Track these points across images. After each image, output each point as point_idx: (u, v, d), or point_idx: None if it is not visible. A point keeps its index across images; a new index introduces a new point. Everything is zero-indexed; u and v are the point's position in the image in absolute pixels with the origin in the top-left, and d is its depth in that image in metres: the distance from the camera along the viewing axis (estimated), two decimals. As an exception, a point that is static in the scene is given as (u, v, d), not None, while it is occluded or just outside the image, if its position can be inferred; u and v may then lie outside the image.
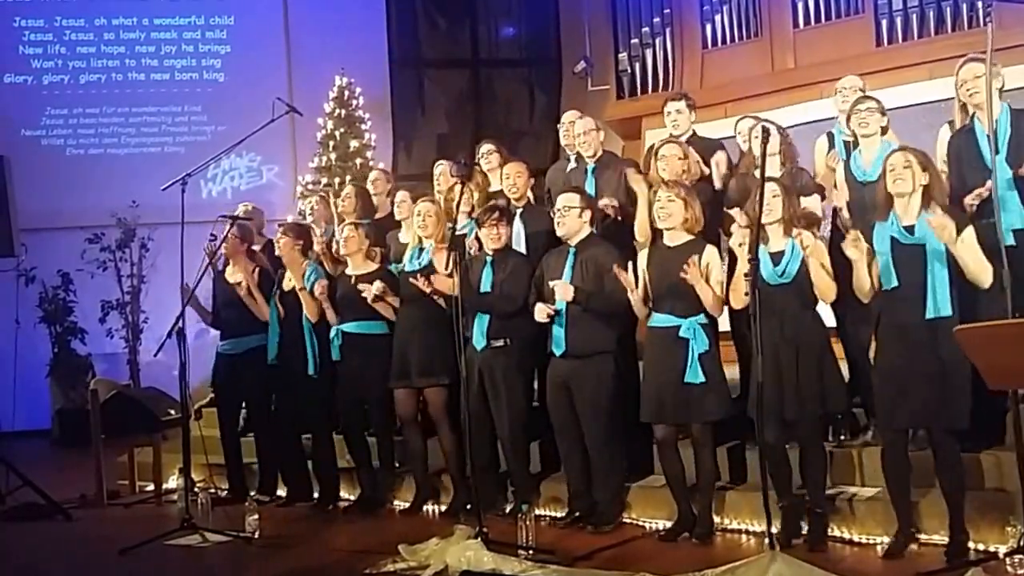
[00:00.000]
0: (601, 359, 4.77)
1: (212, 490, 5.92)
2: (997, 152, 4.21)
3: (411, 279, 5.17)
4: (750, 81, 8.53)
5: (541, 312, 4.76)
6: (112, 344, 10.06)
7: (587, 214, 4.84)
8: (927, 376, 3.91)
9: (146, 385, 8.28)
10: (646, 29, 9.28)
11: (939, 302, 3.92)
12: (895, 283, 3.98)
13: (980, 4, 4.20)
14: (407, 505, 5.59)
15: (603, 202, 5.12)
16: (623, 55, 9.45)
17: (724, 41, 8.87)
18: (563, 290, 4.68)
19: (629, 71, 9.42)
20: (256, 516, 5.11)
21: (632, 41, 9.39)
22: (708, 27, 8.95)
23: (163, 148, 10.59)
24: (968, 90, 4.35)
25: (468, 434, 4.74)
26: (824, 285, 4.24)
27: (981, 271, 3.90)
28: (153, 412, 6.46)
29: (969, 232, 3.93)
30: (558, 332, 4.78)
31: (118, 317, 10.01)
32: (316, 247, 5.90)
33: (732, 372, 4.95)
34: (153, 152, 10.53)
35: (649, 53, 9.26)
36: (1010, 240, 4.13)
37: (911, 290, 3.95)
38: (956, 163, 4.45)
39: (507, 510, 5.09)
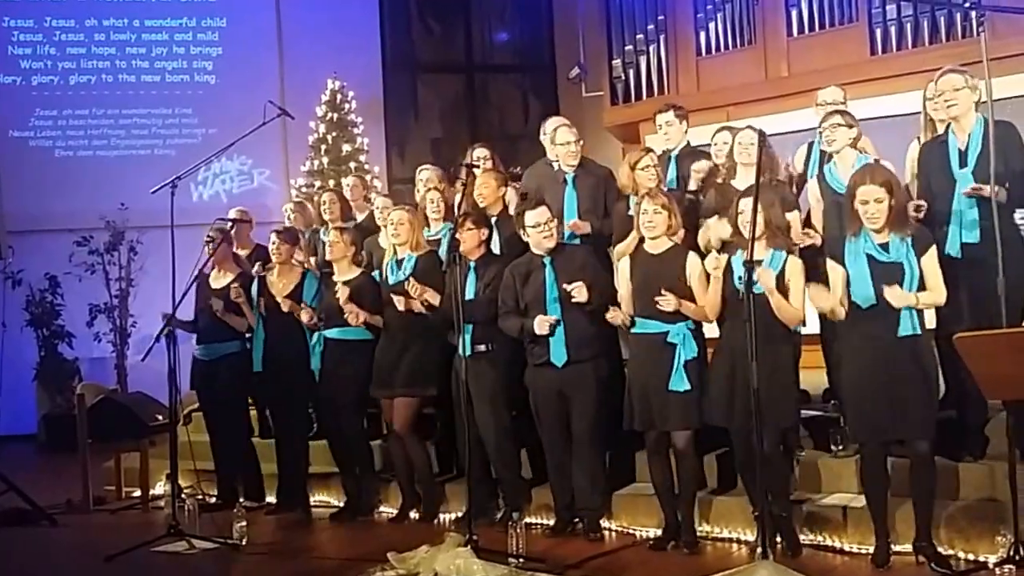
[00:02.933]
0: (596, 363, 4.77)
1: (200, 496, 5.87)
2: (964, 166, 4.24)
3: (392, 294, 5.19)
4: (744, 88, 8.54)
5: (543, 323, 4.73)
6: (100, 348, 9.99)
7: (555, 225, 4.88)
8: (897, 390, 3.93)
9: (134, 390, 8.21)
10: (640, 36, 9.27)
11: (913, 320, 3.96)
12: (874, 300, 3.98)
13: (973, 14, 4.16)
14: (394, 512, 5.55)
15: (572, 224, 5.14)
16: (617, 61, 9.44)
17: (718, 48, 8.87)
18: (580, 292, 4.64)
19: (623, 77, 9.41)
20: (243, 523, 5.08)
21: (626, 47, 9.37)
22: (702, 34, 8.94)
23: (153, 151, 10.54)
24: (947, 102, 4.35)
25: (468, 442, 4.70)
26: (789, 315, 4.23)
27: (937, 293, 3.97)
28: (140, 417, 6.41)
29: (933, 252, 3.99)
30: (557, 343, 4.75)
31: (106, 321, 9.94)
32: (301, 255, 5.89)
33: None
34: (143, 155, 10.47)
35: (643, 60, 9.26)
36: (956, 251, 4.23)
37: (889, 307, 3.94)
38: (925, 174, 4.47)
39: (498, 518, 5.05)
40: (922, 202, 4.33)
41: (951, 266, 4.15)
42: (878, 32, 7.93)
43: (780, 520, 4.33)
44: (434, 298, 5.12)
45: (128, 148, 10.56)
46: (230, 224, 6.03)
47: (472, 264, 5.10)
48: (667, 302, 4.39)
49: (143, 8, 10.64)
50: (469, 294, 5.04)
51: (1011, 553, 3.78)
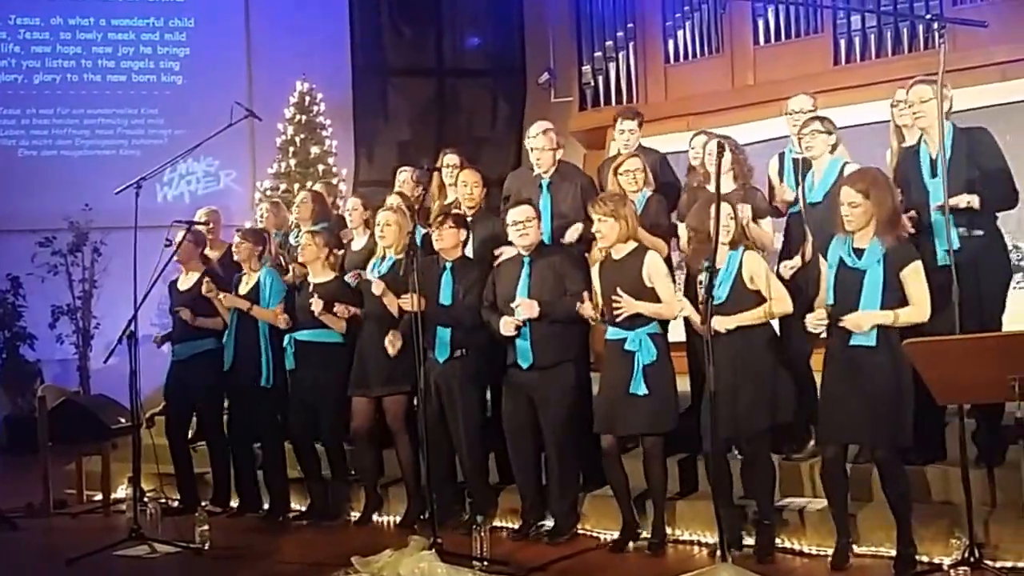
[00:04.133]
0: (565, 369, 4.79)
1: (162, 500, 5.83)
2: (935, 175, 4.31)
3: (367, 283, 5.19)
4: (711, 96, 8.62)
5: (508, 325, 4.75)
6: (62, 350, 9.87)
7: (537, 224, 4.88)
8: (860, 396, 3.97)
9: (96, 392, 8.13)
10: (609, 43, 9.33)
11: (864, 334, 3.96)
12: (831, 301, 4.05)
13: (935, 25, 4.24)
14: (359, 516, 5.53)
15: (571, 235, 5.14)
16: (587, 67, 9.50)
17: (686, 56, 8.95)
18: (528, 308, 4.67)
19: (592, 83, 9.47)
20: (206, 527, 5.04)
21: (596, 54, 9.43)
22: (671, 42, 9.02)
23: (118, 151, 10.43)
24: (915, 113, 4.42)
25: (425, 445, 4.71)
26: (757, 318, 4.28)
27: (921, 310, 3.93)
28: (102, 420, 6.36)
29: (916, 266, 3.98)
30: (523, 345, 4.77)
31: (69, 323, 9.83)
32: (270, 253, 5.87)
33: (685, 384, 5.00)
34: (108, 155, 10.36)
35: (612, 66, 9.32)
36: (945, 260, 4.21)
37: (843, 311, 4.00)
38: (902, 182, 4.52)
39: (464, 521, 5.06)
40: (913, 212, 4.32)
41: (942, 275, 4.07)
42: (843, 42, 8.05)
43: (761, 526, 4.38)
44: (392, 306, 5.12)
45: (93, 148, 10.44)
46: (191, 226, 5.97)
47: (449, 265, 5.10)
48: (624, 305, 4.41)
49: (109, 7, 10.53)
50: (446, 296, 5.04)
51: (966, 555, 3.83)
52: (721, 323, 4.12)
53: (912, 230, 4.26)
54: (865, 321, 3.93)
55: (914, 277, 3.95)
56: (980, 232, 4.32)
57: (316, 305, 5.32)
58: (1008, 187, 4.37)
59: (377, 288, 5.17)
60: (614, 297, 4.46)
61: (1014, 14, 7.23)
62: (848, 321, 3.93)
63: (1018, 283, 7.25)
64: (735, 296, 4.28)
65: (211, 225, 6.52)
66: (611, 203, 4.59)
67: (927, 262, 4.08)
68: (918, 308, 3.95)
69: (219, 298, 5.64)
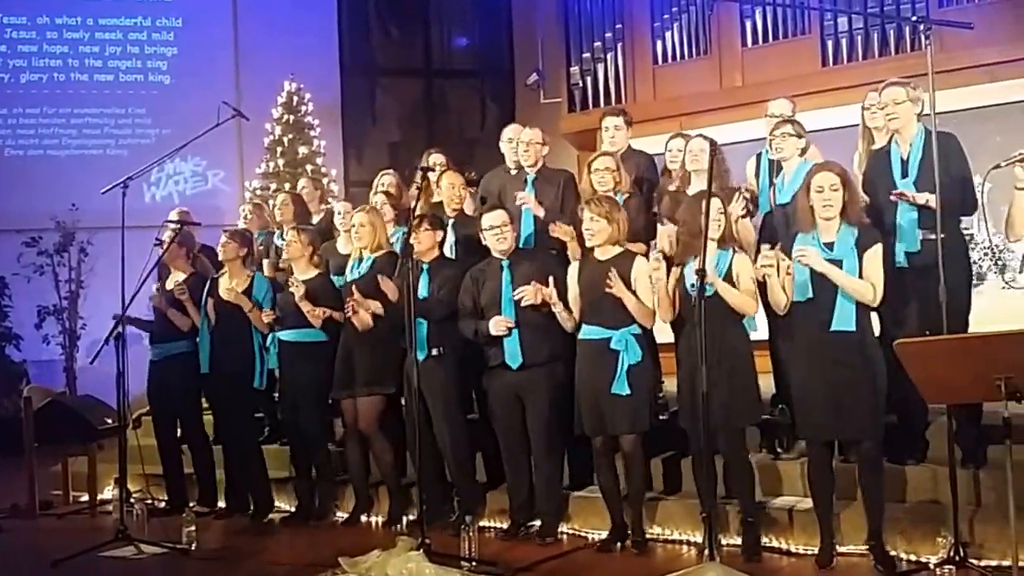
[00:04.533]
0: (553, 368, 4.79)
1: (149, 501, 5.80)
2: (905, 176, 4.34)
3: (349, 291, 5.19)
4: (699, 97, 8.65)
5: (499, 325, 4.75)
6: (48, 351, 9.83)
7: (514, 228, 4.89)
8: (836, 388, 4.01)
9: (83, 393, 8.09)
10: (598, 44, 9.35)
11: (844, 316, 4.03)
12: (810, 295, 4.07)
13: (921, 27, 4.27)
14: (347, 516, 5.53)
15: (520, 201, 5.17)
16: (575, 69, 9.52)
17: (675, 57, 8.99)
18: (532, 294, 4.65)
19: (581, 84, 9.49)
20: (193, 528, 5.02)
21: (584, 55, 9.46)
22: (659, 43, 9.05)
23: (105, 150, 10.40)
24: (888, 114, 4.45)
25: (418, 445, 4.71)
26: (740, 302, 4.30)
27: (866, 288, 4.02)
28: (89, 420, 6.33)
29: (877, 248, 4.06)
30: (512, 345, 4.77)
31: (55, 323, 9.79)
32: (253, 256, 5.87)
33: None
34: (95, 154, 10.33)
35: (601, 67, 9.34)
36: (903, 260, 4.32)
37: (824, 303, 4.05)
38: (871, 183, 4.56)
39: (452, 521, 5.06)
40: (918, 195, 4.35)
41: (899, 275, 4.24)
42: (829, 44, 8.09)
43: (746, 525, 4.40)
44: (377, 309, 5.13)
45: (80, 148, 10.41)
46: (179, 225, 5.96)
47: (425, 266, 5.12)
48: (617, 288, 4.42)
49: (97, 6, 10.50)
50: (423, 294, 5.05)
51: (951, 554, 3.86)
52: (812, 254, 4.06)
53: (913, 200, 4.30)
54: (822, 264, 3.97)
55: (873, 258, 4.06)
56: (943, 235, 4.35)
57: (298, 290, 5.30)
58: (970, 194, 4.44)
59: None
60: (608, 280, 4.44)
61: (1001, 16, 7.29)
62: (808, 256, 3.97)
63: (1008, 283, 7.34)
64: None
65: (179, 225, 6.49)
66: (606, 204, 4.62)
67: (888, 263, 4.15)
68: (868, 285, 4.02)
69: (229, 292, 5.57)
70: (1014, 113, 7.11)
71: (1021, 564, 3.52)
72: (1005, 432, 3.38)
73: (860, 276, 4.02)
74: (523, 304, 4.69)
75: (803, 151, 4.80)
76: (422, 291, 5.06)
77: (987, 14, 7.18)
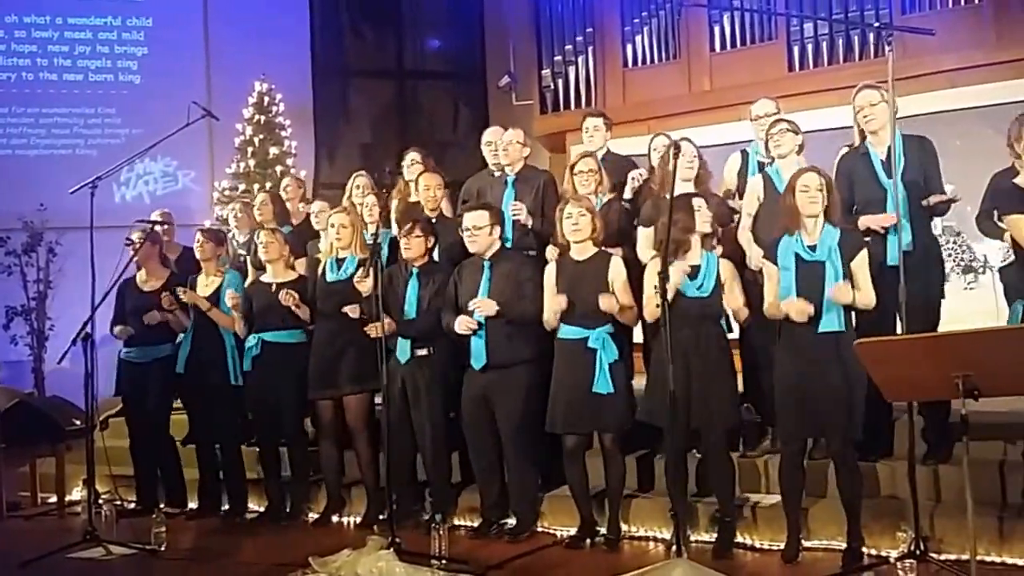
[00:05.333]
0: (521, 369, 4.82)
1: (118, 502, 5.77)
2: (890, 177, 4.43)
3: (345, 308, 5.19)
4: (669, 101, 8.73)
5: (463, 325, 4.79)
6: (16, 351, 9.71)
7: (496, 230, 4.90)
8: (822, 389, 4.08)
9: (51, 394, 8.02)
10: (569, 47, 9.41)
11: (832, 318, 4.10)
12: (794, 297, 4.13)
13: (883, 33, 4.36)
14: (319, 516, 5.54)
15: (514, 211, 5.19)
16: (546, 71, 9.57)
17: (644, 61, 9.06)
18: (486, 307, 4.71)
19: (552, 87, 9.54)
20: (162, 528, 5.01)
21: (555, 58, 9.51)
22: (629, 47, 9.12)
23: (74, 150, 10.30)
24: (865, 116, 4.54)
25: (387, 444, 4.73)
26: (737, 307, 4.39)
27: (868, 295, 4.12)
28: (57, 421, 6.28)
29: (863, 255, 4.14)
30: (478, 345, 4.81)
31: (23, 323, 9.68)
32: (228, 254, 5.86)
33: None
34: (64, 154, 10.23)
35: (572, 70, 9.40)
36: (897, 260, 4.30)
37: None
38: (847, 182, 4.64)
39: (424, 520, 5.08)
40: (884, 219, 4.44)
41: (893, 275, 4.19)
42: (796, 49, 8.20)
43: (723, 523, 4.47)
44: (354, 312, 5.16)
45: (48, 148, 10.30)
46: (153, 225, 5.95)
47: (415, 271, 5.13)
48: (607, 302, 4.46)
49: (66, 6, 10.40)
50: (411, 301, 5.07)
51: (911, 548, 3.93)
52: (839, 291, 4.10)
53: (881, 230, 4.39)
54: (846, 293, 4.04)
55: (861, 265, 4.15)
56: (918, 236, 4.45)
57: (288, 297, 5.29)
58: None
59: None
60: (601, 296, 4.48)
61: (962, 23, 7.42)
62: (835, 292, 4.03)
63: (969, 283, 7.49)
64: (716, 292, 4.39)
65: (167, 227, 6.49)
66: (588, 201, 4.73)
67: (874, 263, 4.21)
68: (867, 294, 4.13)
69: (182, 293, 5.58)
70: (973, 118, 7.24)
71: (978, 558, 3.61)
72: (963, 429, 3.44)
73: (844, 277, 4.08)
74: (477, 316, 4.73)
75: (800, 148, 4.85)
76: (410, 301, 5.07)
77: (948, 22, 7.31)
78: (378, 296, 4.68)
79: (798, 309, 4.08)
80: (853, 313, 4.19)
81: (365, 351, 5.17)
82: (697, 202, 4.41)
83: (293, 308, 5.32)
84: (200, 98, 6.50)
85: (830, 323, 4.09)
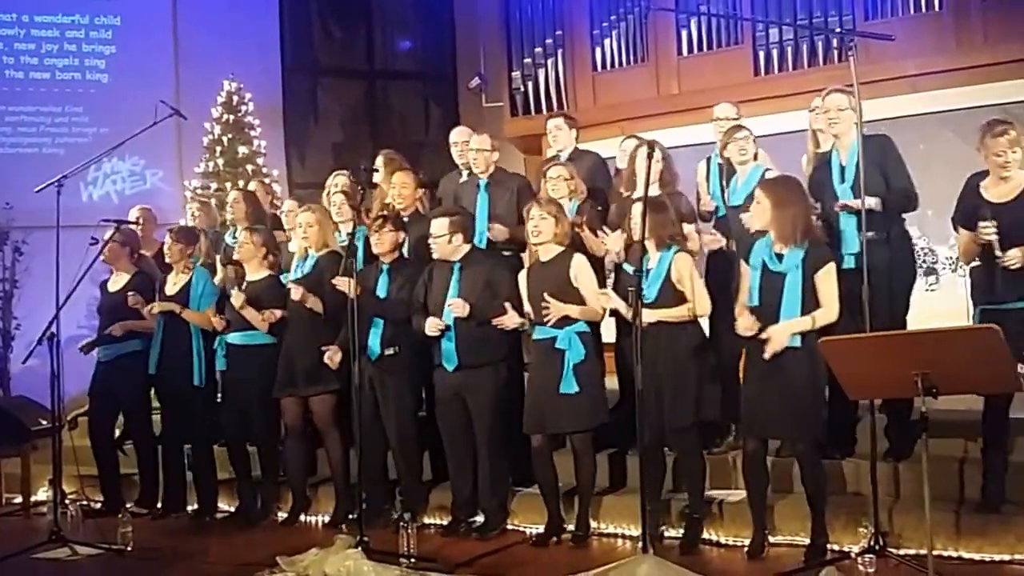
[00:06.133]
0: (492, 369, 4.86)
1: (84, 502, 5.74)
2: (844, 181, 4.52)
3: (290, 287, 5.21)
4: (638, 104, 8.79)
5: (432, 326, 4.82)
6: (-19, 352, 9.60)
7: (457, 237, 4.91)
8: (780, 393, 4.14)
9: (16, 394, 7.94)
10: (539, 49, 9.45)
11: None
12: (756, 303, 4.21)
13: (845, 38, 4.44)
14: (286, 516, 5.54)
15: (499, 229, 5.26)
16: (516, 73, 9.61)
17: (613, 65, 9.12)
18: (459, 308, 4.74)
19: (522, 89, 9.58)
20: (129, 528, 4.99)
21: (525, 60, 9.55)
22: (598, 50, 9.18)
23: (41, 149, 10.18)
24: (831, 120, 4.62)
25: (359, 443, 4.74)
26: (677, 316, 4.42)
27: (830, 310, 4.13)
28: (22, 421, 6.24)
29: (830, 268, 4.17)
30: (448, 346, 4.84)
31: (-12, 324, 9.57)
32: (201, 253, 5.85)
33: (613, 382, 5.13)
34: (30, 153, 10.10)
35: (542, 73, 9.44)
36: (852, 263, 4.45)
37: (767, 312, 4.17)
38: (815, 188, 4.72)
39: (393, 519, 5.10)
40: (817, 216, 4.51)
41: (851, 277, 4.27)
42: (761, 54, 8.29)
43: (691, 520, 4.52)
44: (316, 305, 5.16)
45: (14, 146, 10.16)
46: (120, 225, 5.91)
47: (385, 267, 5.16)
48: (552, 309, 4.53)
49: (33, 3, 10.27)
50: (382, 294, 5.10)
51: (871, 543, 4.01)
52: (644, 314, 4.22)
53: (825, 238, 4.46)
54: (784, 335, 4.09)
55: (826, 279, 4.14)
56: (886, 235, 4.52)
57: (237, 299, 5.31)
58: (911, 190, 4.60)
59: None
60: (543, 303, 4.56)
61: (923, 29, 7.55)
62: (771, 342, 4.07)
63: (931, 285, 7.62)
64: (662, 296, 4.43)
65: (142, 223, 6.47)
66: (553, 205, 4.78)
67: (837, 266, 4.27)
68: (828, 309, 4.14)
69: (148, 310, 5.58)
70: (934, 123, 7.38)
71: (936, 553, 3.69)
72: (923, 427, 3.52)
73: (804, 293, 4.10)
74: (454, 314, 4.76)
75: (755, 155, 4.95)
76: (381, 291, 5.10)
77: (909, 28, 7.43)
78: (353, 297, 4.69)
79: (744, 326, 4.15)
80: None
81: (322, 351, 5.20)
82: (638, 206, 4.43)
83: (238, 308, 5.30)
84: (168, 97, 6.46)
85: (790, 339, 4.13)
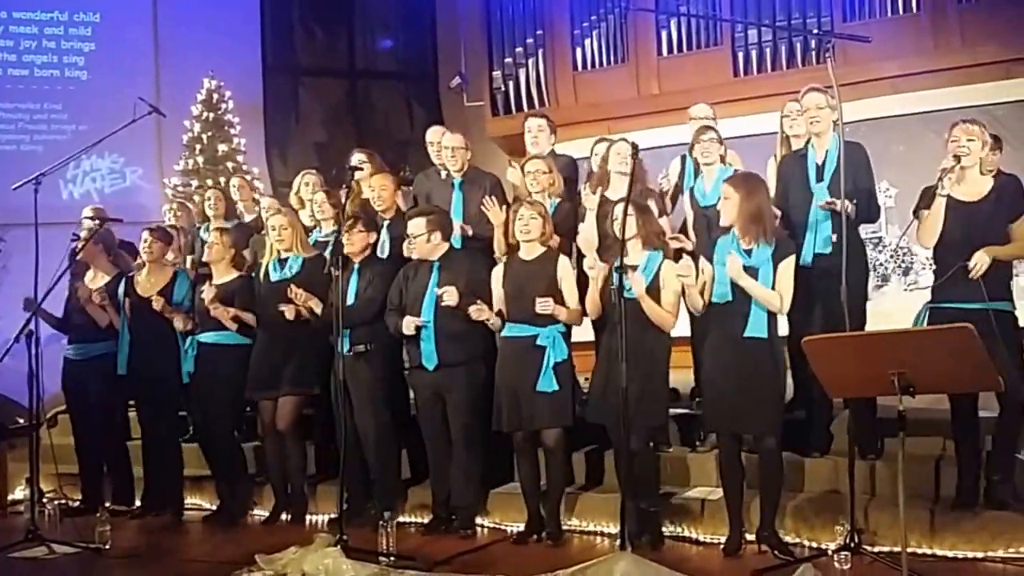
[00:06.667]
0: (470, 367, 4.87)
1: (62, 501, 5.70)
2: (820, 180, 4.56)
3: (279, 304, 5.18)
4: (619, 104, 8.85)
5: (409, 325, 4.82)
6: (-42, 350, 9.51)
7: (436, 236, 4.92)
8: (744, 387, 4.19)
9: (-7, 392, 7.88)
10: (520, 49, 9.48)
11: (757, 323, 4.21)
12: (730, 297, 4.24)
13: (823, 40, 4.49)
14: (267, 515, 5.52)
15: (458, 226, 5.26)
16: (497, 73, 9.62)
17: (594, 65, 9.17)
18: (452, 295, 4.74)
19: (503, 89, 9.60)
20: (107, 527, 4.96)
21: (506, 59, 9.57)
22: (579, 50, 9.22)
23: (19, 146, 10.11)
24: (811, 118, 4.66)
25: (344, 442, 4.74)
26: (659, 318, 4.43)
27: (774, 297, 4.19)
28: (-1, 420, 6.19)
29: (790, 260, 4.24)
30: (427, 347, 4.84)
31: (-35, 322, 9.48)
32: (171, 254, 5.82)
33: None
34: (8, 150, 10.03)
35: (523, 72, 9.46)
36: (809, 261, 4.52)
37: (741, 307, 4.22)
38: (784, 184, 4.76)
39: (372, 517, 5.10)
40: (777, 211, 4.58)
41: (804, 275, 4.43)
42: (740, 55, 8.37)
43: (647, 514, 4.54)
44: (317, 306, 5.16)
45: (-8, 143, 10.11)
46: (102, 224, 5.88)
47: (356, 266, 5.16)
48: (546, 306, 4.55)
49: (11, 0, 10.22)
50: (351, 295, 5.09)
51: (848, 541, 4.05)
52: (636, 281, 4.27)
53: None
54: (745, 279, 4.14)
55: (785, 269, 4.23)
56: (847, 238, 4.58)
57: (208, 293, 5.28)
58: (874, 203, 4.70)
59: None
60: (539, 300, 4.56)
61: (901, 31, 7.64)
62: (731, 261, 4.13)
63: (909, 285, 7.69)
64: (654, 286, 4.45)
65: (99, 223, 6.42)
66: (540, 206, 4.81)
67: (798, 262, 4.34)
68: (775, 295, 4.19)
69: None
70: (914, 124, 7.46)
71: (910, 550, 3.73)
72: (900, 425, 3.55)
73: (774, 285, 4.18)
74: (444, 303, 4.77)
75: (722, 157, 4.99)
76: (350, 291, 5.10)
77: (888, 30, 7.51)
78: (338, 303, 4.68)
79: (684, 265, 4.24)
80: (778, 318, 4.29)
81: (306, 353, 5.23)
82: (618, 209, 4.44)
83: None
84: (148, 95, 6.44)
85: (756, 328, 4.19)
